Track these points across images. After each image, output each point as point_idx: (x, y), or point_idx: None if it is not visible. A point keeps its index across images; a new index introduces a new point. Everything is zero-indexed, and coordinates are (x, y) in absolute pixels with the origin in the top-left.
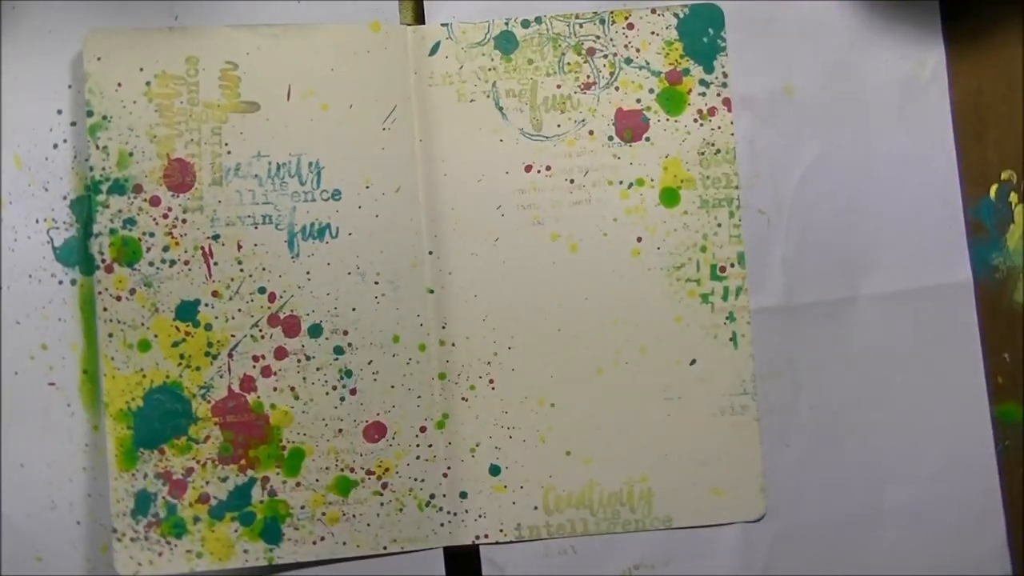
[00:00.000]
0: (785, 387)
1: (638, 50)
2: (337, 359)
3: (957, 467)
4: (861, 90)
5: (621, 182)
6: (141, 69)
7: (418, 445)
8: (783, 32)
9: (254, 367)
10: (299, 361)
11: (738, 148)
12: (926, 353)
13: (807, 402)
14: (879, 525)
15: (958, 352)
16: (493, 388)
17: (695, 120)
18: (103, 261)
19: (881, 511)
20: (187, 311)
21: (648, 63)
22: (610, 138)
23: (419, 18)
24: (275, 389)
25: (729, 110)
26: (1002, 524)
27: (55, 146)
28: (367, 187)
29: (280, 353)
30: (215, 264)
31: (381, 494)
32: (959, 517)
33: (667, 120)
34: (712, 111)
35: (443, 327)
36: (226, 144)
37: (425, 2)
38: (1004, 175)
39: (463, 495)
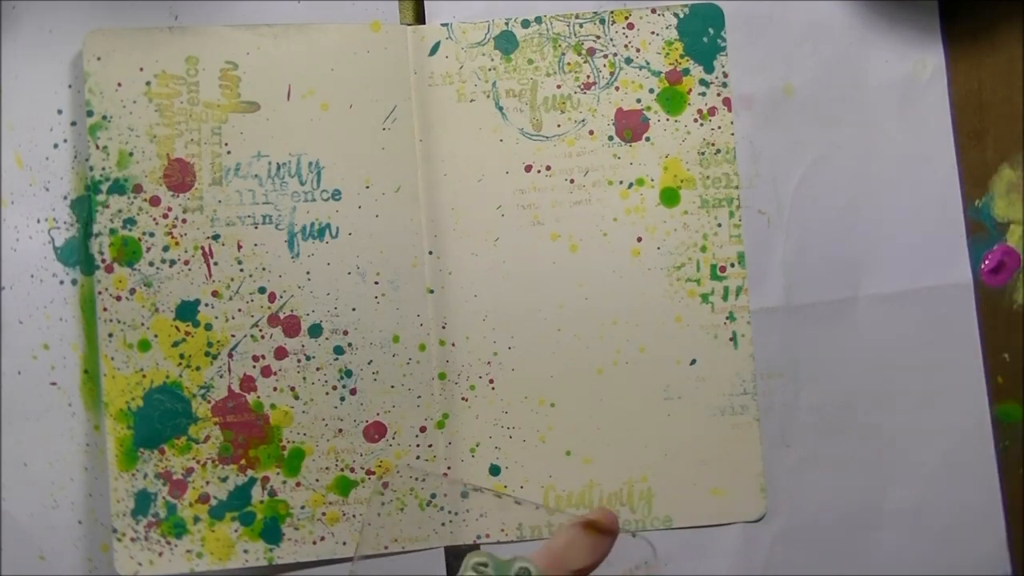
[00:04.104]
0: (785, 387)
1: (638, 50)
2: (337, 359)
3: (957, 467)
4: (861, 90)
5: (621, 182)
6: (141, 69)
7: (418, 445)
8: (783, 32)
9: (254, 367)
10: (299, 361)
11: (738, 148)
12: (926, 353)
13: (807, 402)
14: (879, 526)
15: (958, 352)
16: (493, 388)
17: (695, 120)
18: (103, 261)
19: (881, 511)
20: (187, 311)
21: (648, 63)
22: (610, 138)
23: (419, 18)
24: (275, 389)
25: (729, 110)
26: (1002, 524)
27: (55, 146)
28: (367, 187)
29: (280, 353)
30: (215, 264)
31: (382, 494)
32: (959, 517)
33: (667, 120)
34: (712, 111)
35: (443, 327)
36: (226, 144)
37: (425, 2)
38: (1004, 174)
39: (464, 495)
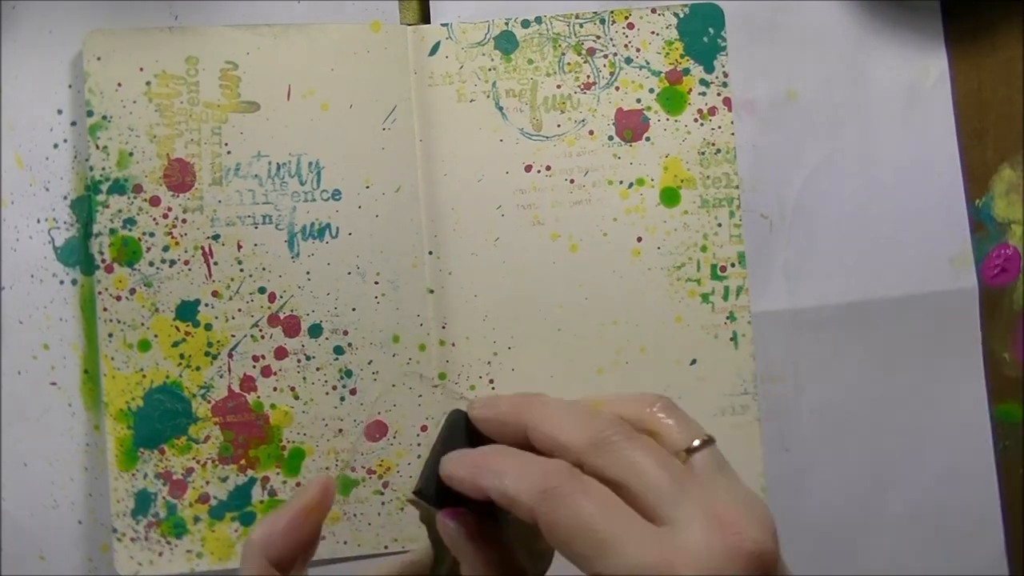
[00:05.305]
0: (786, 391)
1: (638, 50)
2: (337, 359)
3: (957, 473)
4: (864, 94)
5: (621, 182)
6: (141, 69)
7: (419, 444)
8: (786, 36)
9: (254, 367)
10: (299, 361)
11: (741, 152)
12: (928, 358)
13: (808, 406)
14: (879, 530)
15: (960, 356)
16: (493, 388)
17: (695, 120)
18: (103, 261)
19: (881, 516)
20: (187, 311)
21: (648, 63)
22: (610, 138)
23: (423, 18)
24: (275, 389)
25: (729, 110)
26: (1001, 529)
27: (55, 146)
28: (367, 187)
29: (280, 353)
30: (215, 264)
31: (382, 493)
32: (958, 522)
33: (667, 120)
34: (712, 111)
35: (443, 327)
36: (226, 144)
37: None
38: (1004, 174)
39: None
